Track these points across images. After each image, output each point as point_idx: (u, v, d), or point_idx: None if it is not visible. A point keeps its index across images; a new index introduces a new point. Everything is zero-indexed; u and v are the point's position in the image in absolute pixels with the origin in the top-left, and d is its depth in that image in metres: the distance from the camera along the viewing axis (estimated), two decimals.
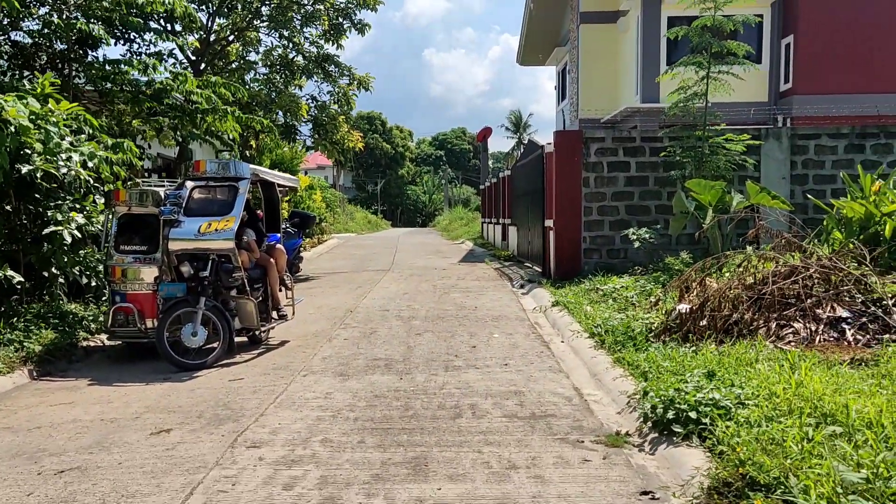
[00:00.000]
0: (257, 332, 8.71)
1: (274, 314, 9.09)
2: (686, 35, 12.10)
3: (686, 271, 8.47)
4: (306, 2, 17.27)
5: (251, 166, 8.66)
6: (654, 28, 18.55)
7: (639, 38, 18.94)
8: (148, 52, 13.73)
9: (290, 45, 17.98)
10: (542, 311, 10.67)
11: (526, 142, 20.91)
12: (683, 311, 7.43)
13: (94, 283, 9.78)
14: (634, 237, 12.37)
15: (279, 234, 9.85)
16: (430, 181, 75.17)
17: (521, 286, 13.69)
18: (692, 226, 12.24)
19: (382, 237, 36.51)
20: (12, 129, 7.60)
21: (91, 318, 9.16)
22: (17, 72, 11.52)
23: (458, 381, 6.81)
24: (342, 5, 17.40)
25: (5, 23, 10.79)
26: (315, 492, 4.25)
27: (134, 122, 12.76)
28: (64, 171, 8.43)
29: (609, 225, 13.47)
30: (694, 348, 6.62)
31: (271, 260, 9.01)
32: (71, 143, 8.53)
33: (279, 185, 9.98)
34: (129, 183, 9.63)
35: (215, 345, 7.93)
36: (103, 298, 10.15)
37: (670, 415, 4.84)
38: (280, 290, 9.23)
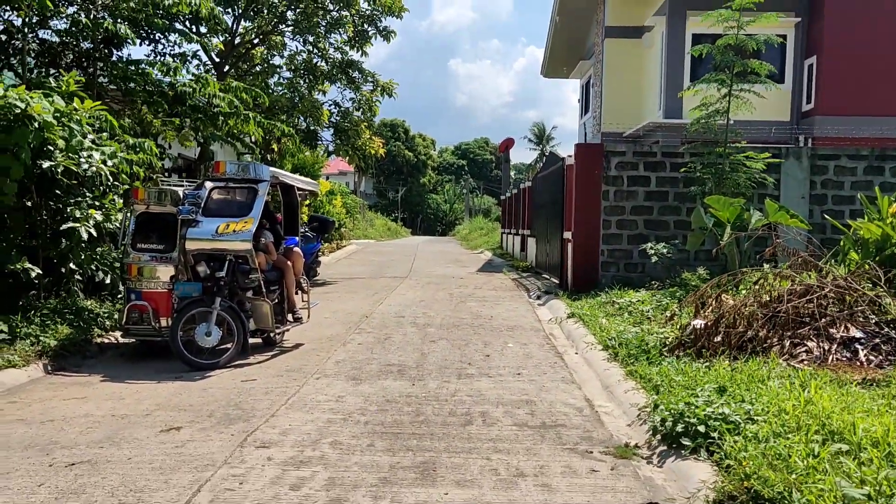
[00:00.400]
0: (272, 334, 8.74)
1: (289, 317, 9.12)
2: (710, 53, 12.05)
3: (702, 287, 8.40)
4: (332, 8, 17.42)
5: (271, 169, 8.72)
6: (679, 45, 18.50)
7: (663, 54, 18.90)
8: (172, 52, 13.95)
9: (315, 50, 18.15)
10: (558, 323, 10.62)
11: (548, 154, 20.87)
12: (698, 326, 7.36)
13: (109, 281, 9.88)
14: (652, 252, 12.29)
15: (297, 238, 9.90)
16: (451, 190, 75.26)
17: (538, 297, 13.64)
18: (710, 242, 12.13)
19: (401, 244, 36.59)
20: (36, 125, 7.72)
21: (106, 314, 9.25)
22: (44, 70, 11.72)
23: (470, 389, 6.79)
24: (368, 12, 17.53)
25: (34, 21, 10.97)
26: (322, 493, 4.24)
27: (155, 121, 12.90)
28: (85, 167, 8.53)
29: (627, 239, 13.40)
30: (707, 364, 6.56)
31: (288, 263, 9.05)
32: (93, 142, 8.64)
33: (299, 189, 10.04)
34: (147, 182, 9.72)
35: (229, 345, 7.97)
36: (118, 296, 10.26)
37: (679, 428, 4.79)
38: (296, 294, 9.26)
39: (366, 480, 4.45)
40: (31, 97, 7.72)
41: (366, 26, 17.62)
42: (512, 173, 45.89)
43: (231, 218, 8.07)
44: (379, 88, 18.70)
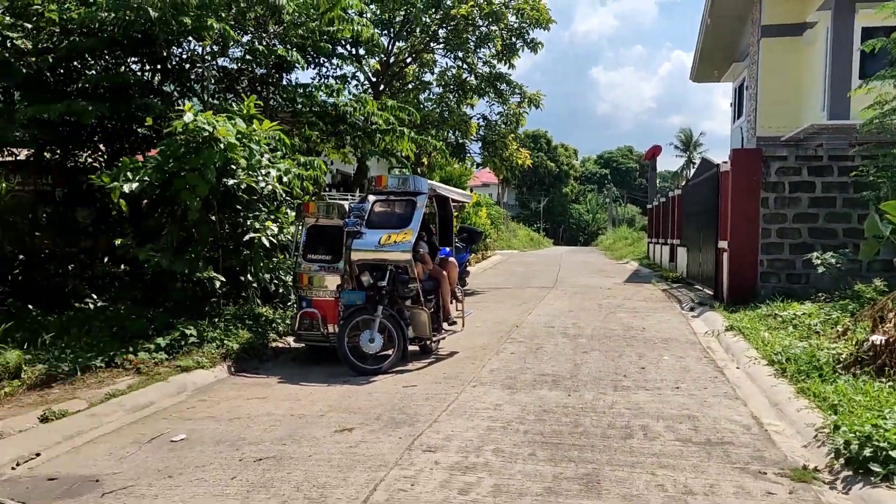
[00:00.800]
0: (428, 342, 9.04)
1: (444, 325, 9.40)
2: (884, 47, 11.17)
3: (880, 300, 7.81)
4: (482, 23, 17.77)
5: (429, 182, 9.06)
6: (846, 40, 17.22)
7: (827, 50, 17.66)
8: (334, 74, 14.77)
9: (464, 65, 18.57)
10: (715, 336, 10.22)
11: (697, 160, 20.13)
12: (878, 342, 6.85)
13: (280, 290, 10.61)
14: (819, 261, 11.54)
15: (449, 248, 10.19)
16: (593, 200, 74.06)
17: (691, 308, 13.18)
18: (887, 251, 11.20)
19: (544, 255, 36.47)
20: (221, 146, 8.48)
21: (279, 321, 9.93)
22: (221, 94, 12.80)
23: (628, 402, 6.71)
24: (516, 25, 17.74)
25: (215, 50, 12.03)
26: (489, 499, 4.38)
27: (319, 139, 13.72)
28: (262, 184, 9.24)
29: (789, 248, 12.66)
30: (891, 384, 6.10)
31: (444, 273, 9.34)
32: (269, 160, 9.35)
33: (453, 201, 10.34)
34: (315, 197, 10.37)
35: (390, 352, 8.32)
36: (288, 303, 10.98)
37: (867, 452, 4.51)
38: (451, 303, 9.53)
39: (530, 489, 4.54)
40: (217, 121, 8.49)
41: (514, 39, 17.83)
42: (658, 181, 44.47)
43: (392, 229, 8.47)
44: (526, 100, 18.84)
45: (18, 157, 13.17)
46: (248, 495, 4.50)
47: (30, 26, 10.50)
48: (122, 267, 12.67)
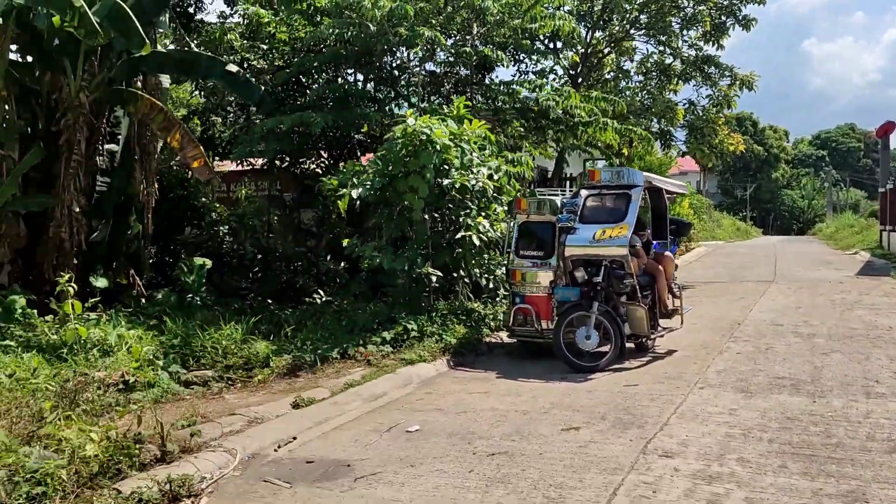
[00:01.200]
0: (645, 340, 8.74)
1: (661, 322, 9.04)
2: None
3: None
4: (687, 3, 16.90)
5: (644, 174, 8.76)
6: None
7: None
8: (533, 70, 14.78)
9: (667, 50, 17.77)
10: None
11: None
12: None
13: (490, 285, 10.79)
14: None
15: (658, 242, 9.76)
16: (809, 184, 67.97)
17: None
18: None
19: (754, 245, 34.02)
20: (437, 147, 8.77)
21: (490, 316, 10.11)
22: (427, 97, 13.28)
23: (886, 411, 6.03)
24: (726, 3, 16.64)
25: (423, 56, 12.50)
26: None
27: (522, 135, 13.80)
28: (473, 182, 9.45)
29: None
30: None
31: (660, 267, 8.98)
32: (479, 159, 9.54)
33: (667, 192, 9.91)
34: (526, 193, 10.44)
35: (605, 348, 8.15)
36: (497, 299, 11.15)
37: None
38: (668, 298, 9.15)
39: None
40: (433, 123, 8.80)
41: (723, 18, 16.74)
42: (891, 162, 39.83)
43: (606, 224, 8.27)
44: (738, 82, 17.63)
45: (254, 167, 14.61)
46: (487, 489, 4.59)
47: (265, 47, 11.62)
48: (343, 265, 13.61)
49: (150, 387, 6.79)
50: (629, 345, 8.77)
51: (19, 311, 8.43)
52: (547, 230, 8.88)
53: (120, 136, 11.51)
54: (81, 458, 4.23)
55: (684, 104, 18.44)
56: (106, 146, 11.51)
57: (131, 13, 8.65)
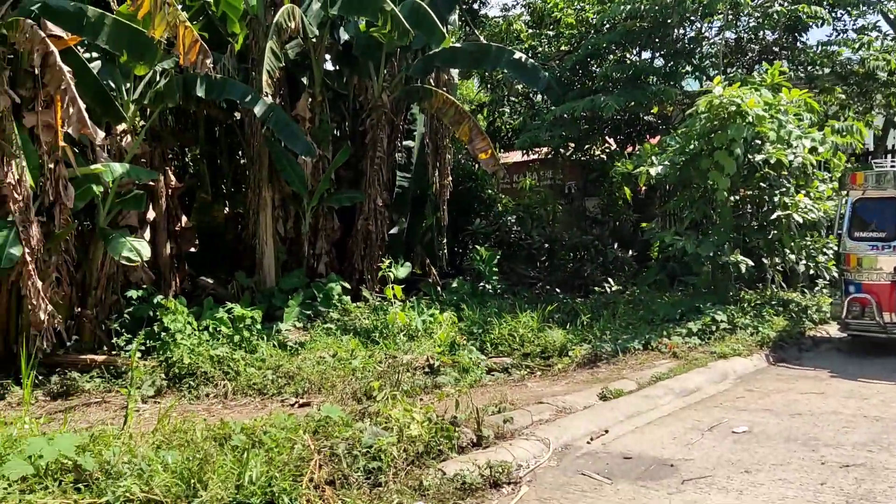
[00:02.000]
0: None
1: None
2: None
3: None
4: None
5: None
6: None
7: None
8: (853, 27, 12.84)
9: None
10: None
11: None
12: None
13: (810, 272, 9.50)
14: None
15: None
16: None
17: None
18: None
19: None
20: (749, 119, 7.85)
21: (814, 307, 8.88)
22: (725, 69, 12.11)
23: None
24: None
25: (723, 24, 11.42)
26: None
27: (843, 104, 12.03)
28: (790, 157, 8.34)
29: None
30: None
31: None
32: (800, 131, 8.39)
33: None
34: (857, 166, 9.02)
35: None
36: (815, 288, 9.83)
37: None
38: None
39: None
40: (743, 93, 7.90)
41: None
42: None
43: None
44: None
45: (538, 157, 14.61)
46: None
47: (551, 34, 11.45)
48: (630, 253, 13.04)
49: (465, 371, 6.87)
50: None
51: (336, 297, 9.23)
52: (889, 207, 7.52)
53: (416, 133, 12.13)
54: (408, 437, 4.29)
55: None
56: (403, 143, 12.22)
57: (430, 11, 8.97)
